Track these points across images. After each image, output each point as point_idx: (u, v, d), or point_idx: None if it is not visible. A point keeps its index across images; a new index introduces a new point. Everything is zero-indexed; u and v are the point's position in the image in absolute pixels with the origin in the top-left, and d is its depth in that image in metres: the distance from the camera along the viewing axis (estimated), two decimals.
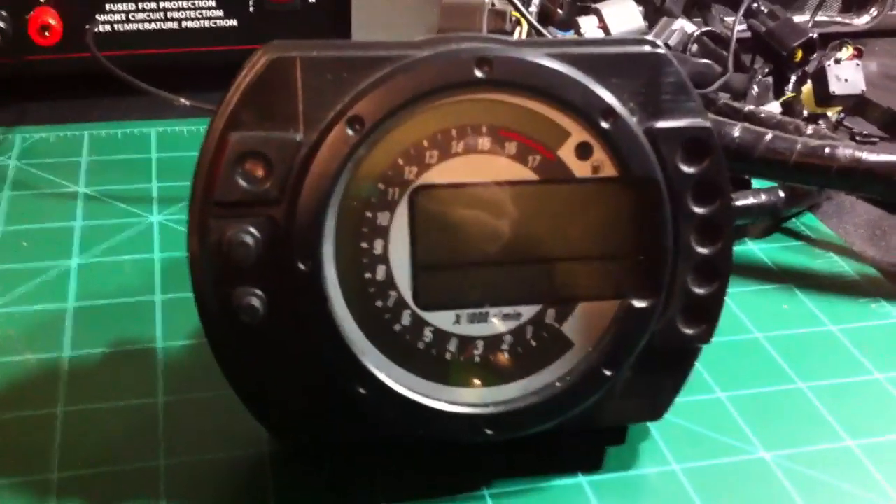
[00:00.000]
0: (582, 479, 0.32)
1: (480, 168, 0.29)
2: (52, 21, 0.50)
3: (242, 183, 0.28)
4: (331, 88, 0.28)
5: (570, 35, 0.53)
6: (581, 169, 0.30)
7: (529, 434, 0.30)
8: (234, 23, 0.54)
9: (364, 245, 0.29)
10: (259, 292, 0.28)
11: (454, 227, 0.30)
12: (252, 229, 0.28)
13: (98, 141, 0.50)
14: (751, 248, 0.45)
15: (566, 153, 0.30)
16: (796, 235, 0.46)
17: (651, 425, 0.34)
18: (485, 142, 0.29)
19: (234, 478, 0.31)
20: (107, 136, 0.50)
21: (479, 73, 0.28)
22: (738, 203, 0.44)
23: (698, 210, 0.30)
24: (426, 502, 0.30)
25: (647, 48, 0.29)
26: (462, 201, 0.29)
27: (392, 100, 0.28)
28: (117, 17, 0.52)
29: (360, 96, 0.28)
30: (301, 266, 0.28)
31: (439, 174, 0.29)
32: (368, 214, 0.29)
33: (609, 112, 0.29)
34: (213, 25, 0.54)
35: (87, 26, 0.51)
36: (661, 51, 0.30)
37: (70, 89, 0.52)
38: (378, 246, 0.29)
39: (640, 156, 0.29)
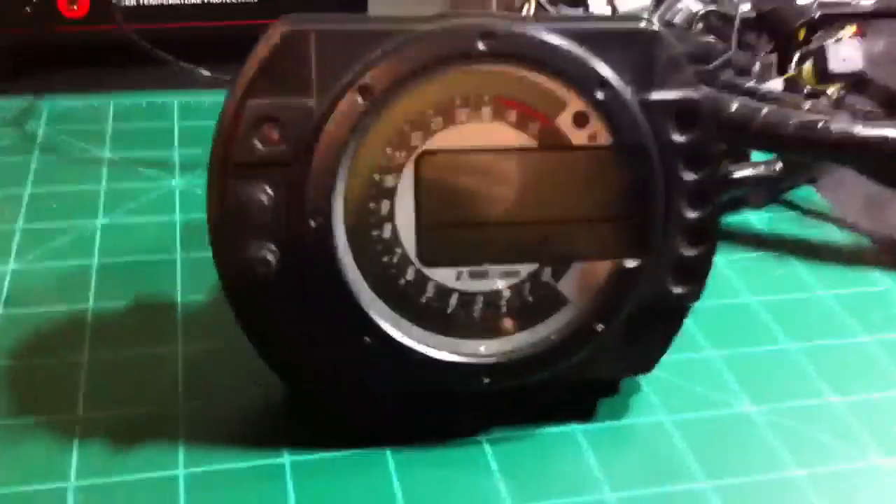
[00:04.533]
0: (575, 428, 0.34)
1: (482, 135, 0.31)
2: None
3: (259, 146, 0.30)
4: (342, 60, 0.30)
5: (578, 12, 0.55)
6: (577, 137, 0.31)
7: (525, 384, 0.32)
8: None
9: (372, 205, 0.31)
10: (273, 247, 0.30)
11: (457, 190, 0.31)
12: (267, 188, 0.30)
13: (123, 110, 0.52)
14: (748, 218, 0.47)
15: (564, 122, 0.31)
16: (794, 207, 0.48)
17: (642, 380, 0.35)
18: (487, 110, 0.31)
19: (249, 423, 0.33)
20: (131, 106, 0.52)
21: (482, 46, 0.30)
22: (736, 174, 0.46)
23: (688, 177, 0.32)
24: (428, 447, 0.33)
25: (643, 24, 0.31)
26: (464, 166, 0.31)
27: (399, 70, 0.30)
28: None
29: (370, 67, 0.29)
30: (312, 223, 0.30)
31: (443, 140, 0.31)
32: (376, 177, 0.31)
33: (604, 83, 0.30)
34: (235, 0, 0.56)
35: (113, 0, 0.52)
36: (656, 27, 0.31)
37: (96, 60, 0.54)
38: (385, 206, 0.31)
39: (633, 125, 0.31)
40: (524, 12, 0.49)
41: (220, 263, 0.31)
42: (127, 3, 0.54)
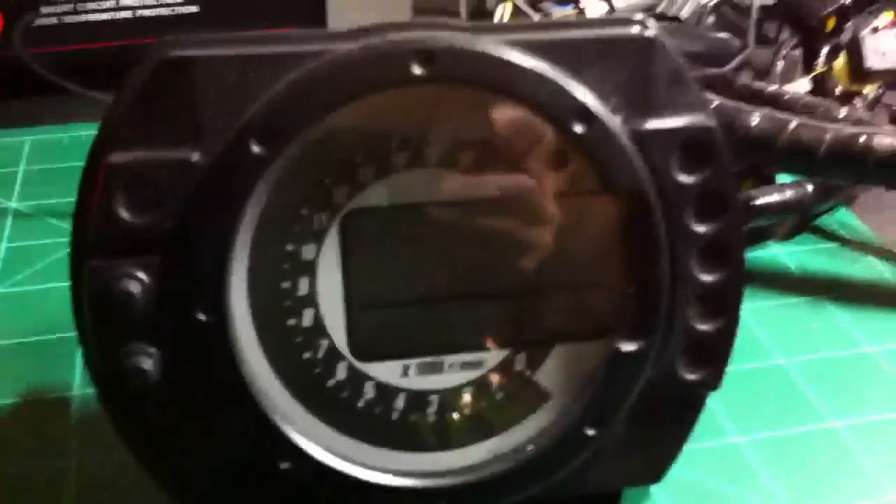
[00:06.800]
0: None
1: (429, 185, 0.24)
2: None
3: (125, 216, 0.22)
4: (235, 95, 0.22)
5: (569, 10, 0.48)
6: (555, 182, 0.24)
7: None
8: (194, 9, 0.49)
9: (286, 285, 0.24)
10: (152, 350, 0.23)
11: (397, 259, 0.24)
12: (140, 273, 0.22)
13: (41, 148, 0.45)
14: (774, 253, 0.39)
15: (536, 164, 0.24)
16: (829, 236, 0.40)
17: None
18: (434, 152, 0.24)
19: None
20: (51, 142, 0.45)
21: (417, 70, 0.22)
22: (759, 201, 0.39)
23: (700, 229, 0.24)
24: None
25: (635, 30, 0.24)
26: (406, 226, 0.24)
27: (308, 108, 0.22)
28: (64, 7, 0.47)
29: (270, 104, 0.22)
30: (201, 317, 0.22)
31: (377, 195, 0.24)
32: (290, 248, 0.23)
33: (583, 113, 0.23)
34: (172, 13, 0.48)
35: (18, 21, 0.44)
36: (652, 33, 0.24)
37: (13, 89, 0.47)
38: (303, 285, 0.24)
39: (625, 165, 0.23)
40: (497, 18, 0.42)
41: (93, 373, 0.23)
42: (46, 23, 0.47)
